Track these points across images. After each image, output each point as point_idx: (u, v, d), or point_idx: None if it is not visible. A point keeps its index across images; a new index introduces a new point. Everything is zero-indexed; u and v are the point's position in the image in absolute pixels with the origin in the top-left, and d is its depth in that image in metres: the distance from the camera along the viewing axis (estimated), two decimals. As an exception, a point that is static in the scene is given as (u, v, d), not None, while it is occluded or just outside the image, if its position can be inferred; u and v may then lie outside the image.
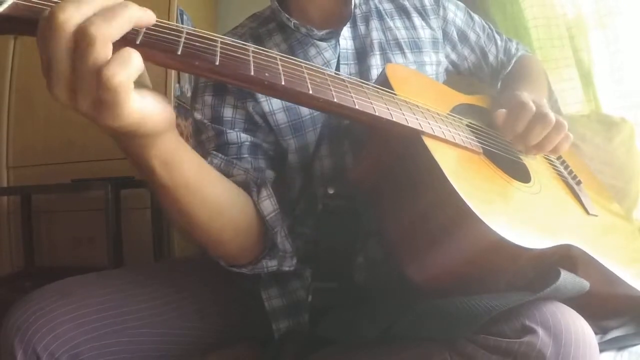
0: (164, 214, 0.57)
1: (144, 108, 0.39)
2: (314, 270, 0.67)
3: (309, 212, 0.73)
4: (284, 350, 0.67)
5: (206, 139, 0.72)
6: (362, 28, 0.78)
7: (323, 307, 0.65)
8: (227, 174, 0.66)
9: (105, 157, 1.61)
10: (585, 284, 0.53)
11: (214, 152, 0.69)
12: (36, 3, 0.35)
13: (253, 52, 0.44)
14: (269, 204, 0.64)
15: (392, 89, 0.60)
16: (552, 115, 0.64)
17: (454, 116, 0.65)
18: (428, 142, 0.53)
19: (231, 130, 0.71)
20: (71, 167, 1.67)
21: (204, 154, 0.70)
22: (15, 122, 1.84)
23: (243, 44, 0.44)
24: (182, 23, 1.90)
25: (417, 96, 0.62)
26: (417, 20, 0.83)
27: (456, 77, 0.91)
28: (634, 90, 1.12)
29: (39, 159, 1.76)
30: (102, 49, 0.34)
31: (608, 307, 0.66)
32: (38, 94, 1.75)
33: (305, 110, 0.72)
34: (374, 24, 0.79)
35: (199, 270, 0.77)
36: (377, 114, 0.50)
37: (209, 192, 0.55)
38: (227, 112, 0.72)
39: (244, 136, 0.71)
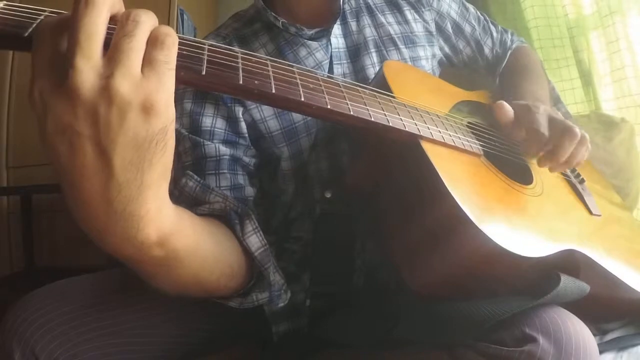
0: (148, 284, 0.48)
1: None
2: (312, 274, 0.67)
3: (305, 215, 0.72)
4: (283, 352, 0.67)
5: (183, 151, 0.67)
6: (352, 25, 0.76)
7: (322, 310, 0.65)
8: (202, 200, 0.61)
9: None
10: (585, 287, 0.53)
11: (189, 174, 0.64)
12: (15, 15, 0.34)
13: (242, 57, 0.42)
14: (255, 240, 0.58)
15: (390, 88, 0.59)
16: (577, 129, 0.63)
17: (453, 116, 0.64)
18: (426, 146, 0.52)
19: (209, 142, 0.66)
20: (71, 167, 1.67)
21: (180, 170, 0.65)
22: (15, 122, 1.84)
23: (231, 50, 0.42)
24: (182, 23, 1.90)
25: (416, 94, 0.61)
26: (409, 13, 0.81)
27: (451, 68, 0.90)
28: (634, 90, 1.12)
29: (39, 159, 1.75)
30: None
31: (609, 310, 0.66)
32: (38, 93, 1.74)
33: (298, 116, 0.70)
34: (366, 20, 0.77)
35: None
36: (373, 119, 0.49)
37: (207, 249, 0.49)
38: (207, 121, 0.67)
39: (223, 149, 0.66)
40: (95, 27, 0.31)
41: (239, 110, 0.69)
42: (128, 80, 0.31)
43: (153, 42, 0.33)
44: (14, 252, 1.80)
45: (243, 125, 0.69)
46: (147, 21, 0.33)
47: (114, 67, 0.31)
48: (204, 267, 0.49)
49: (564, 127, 0.63)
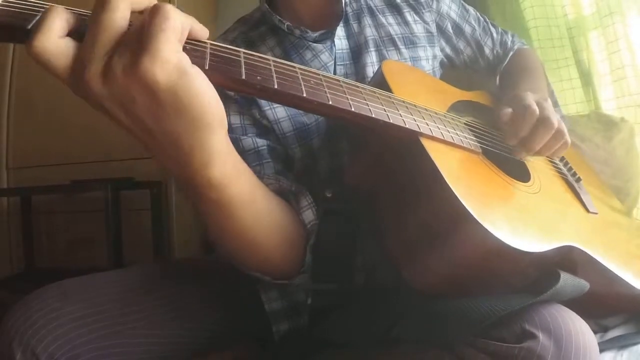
0: (212, 237, 0.56)
1: (191, 69, 0.37)
2: (313, 271, 0.67)
3: None
4: (284, 352, 0.67)
5: None
6: (355, 26, 0.77)
7: (323, 309, 0.65)
8: None
9: (104, 158, 1.61)
10: (584, 284, 0.53)
11: None
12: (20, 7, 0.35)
13: (244, 54, 0.43)
14: (310, 214, 0.62)
15: (389, 86, 0.59)
16: (555, 120, 0.64)
17: (452, 115, 0.64)
18: (426, 143, 0.53)
19: (245, 137, 0.69)
20: (71, 168, 1.67)
21: None
22: (15, 123, 1.84)
23: (233, 48, 0.43)
24: (182, 24, 1.90)
25: (415, 93, 0.62)
26: (408, 15, 0.82)
27: (452, 69, 0.91)
28: (634, 90, 1.12)
29: (39, 160, 1.76)
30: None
31: (608, 306, 0.67)
32: (38, 94, 1.75)
33: (310, 118, 0.71)
34: (367, 20, 0.78)
35: (199, 271, 0.77)
36: (373, 115, 0.49)
37: (263, 207, 0.54)
38: (235, 119, 0.70)
39: (260, 141, 0.69)
40: (113, 23, 0.35)
41: (256, 113, 0.71)
42: (124, 58, 0.35)
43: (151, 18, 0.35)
44: (14, 253, 1.80)
45: (265, 121, 0.71)
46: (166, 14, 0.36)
47: (111, 58, 0.36)
48: (257, 224, 0.53)
49: (543, 116, 0.64)
